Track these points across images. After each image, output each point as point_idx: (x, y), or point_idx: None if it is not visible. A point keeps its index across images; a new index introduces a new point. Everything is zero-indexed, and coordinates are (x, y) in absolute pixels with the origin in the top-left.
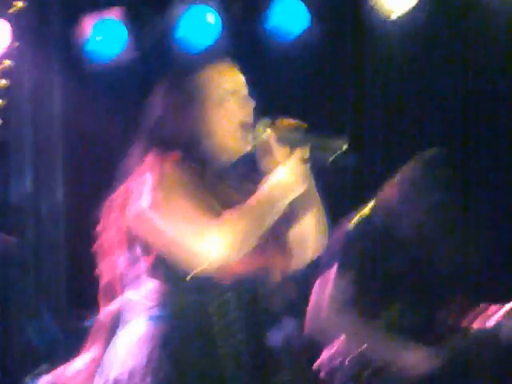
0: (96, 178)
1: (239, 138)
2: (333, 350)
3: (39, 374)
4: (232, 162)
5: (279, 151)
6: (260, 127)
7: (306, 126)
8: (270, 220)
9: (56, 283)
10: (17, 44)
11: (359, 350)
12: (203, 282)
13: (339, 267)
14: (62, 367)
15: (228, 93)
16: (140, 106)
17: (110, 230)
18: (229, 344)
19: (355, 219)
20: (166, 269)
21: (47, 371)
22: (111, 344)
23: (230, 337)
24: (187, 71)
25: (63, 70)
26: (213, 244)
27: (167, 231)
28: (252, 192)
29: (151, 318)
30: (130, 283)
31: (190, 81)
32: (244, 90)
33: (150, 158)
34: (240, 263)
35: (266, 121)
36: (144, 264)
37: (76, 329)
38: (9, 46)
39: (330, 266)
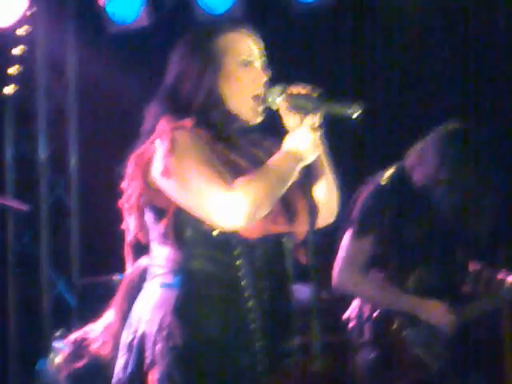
0: (111, 145)
1: (250, 109)
2: (360, 303)
3: (63, 335)
4: (243, 129)
5: (291, 118)
6: (272, 95)
7: (318, 93)
8: (285, 184)
9: (68, 248)
10: (34, 9)
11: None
12: (228, 241)
13: (358, 229)
14: (88, 326)
15: (242, 64)
16: (157, 71)
17: (127, 191)
18: (255, 301)
19: (374, 185)
20: (178, 234)
21: (66, 334)
22: (135, 304)
23: (257, 293)
24: (205, 35)
25: (80, 34)
26: (233, 203)
27: (181, 197)
28: (261, 159)
29: (163, 284)
30: (143, 248)
31: (206, 46)
32: (259, 62)
33: (163, 125)
34: (266, 222)
35: (278, 88)
36: (155, 230)
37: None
38: (25, 12)
39: (347, 228)
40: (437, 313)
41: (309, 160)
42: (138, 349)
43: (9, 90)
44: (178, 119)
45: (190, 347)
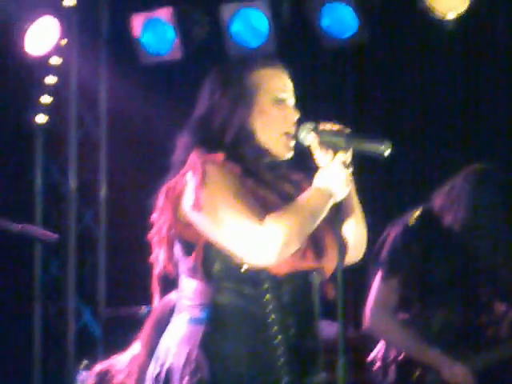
0: (140, 176)
1: (281, 145)
2: (387, 345)
3: (88, 366)
4: (272, 164)
5: (322, 155)
6: (303, 131)
7: (348, 130)
8: (315, 221)
9: (95, 279)
10: (65, 41)
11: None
12: (257, 276)
13: (387, 270)
14: (114, 357)
15: (275, 101)
16: (188, 103)
17: (157, 223)
18: (282, 337)
19: (403, 225)
20: (207, 269)
21: (91, 366)
22: (162, 337)
23: (284, 329)
24: (239, 69)
25: (111, 67)
26: (265, 239)
27: (212, 231)
28: (291, 194)
29: (191, 318)
30: (172, 281)
31: (239, 80)
32: (291, 100)
33: (194, 158)
34: (296, 257)
35: (310, 125)
36: (184, 264)
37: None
38: (58, 41)
39: (376, 271)
40: (458, 376)
41: (339, 197)
42: (165, 382)
43: (40, 119)
44: (209, 152)
45: (217, 381)
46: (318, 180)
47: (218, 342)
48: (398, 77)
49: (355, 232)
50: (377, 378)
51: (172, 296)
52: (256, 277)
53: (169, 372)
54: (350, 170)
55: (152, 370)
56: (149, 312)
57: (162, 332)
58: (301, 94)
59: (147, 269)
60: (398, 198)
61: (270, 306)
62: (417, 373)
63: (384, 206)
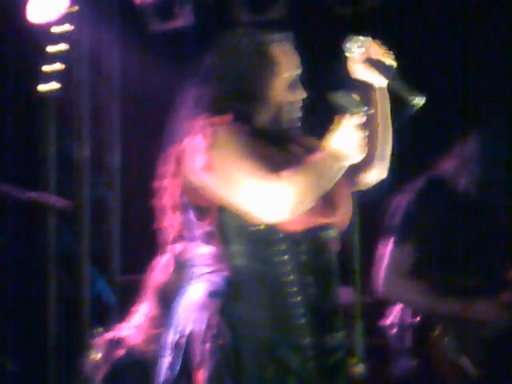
0: (153, 143)
1: (293, 113)
2: (401, 309)
3: (102, 334)
4: (284, 129)
5: (362, 72)
6: (352, 44)
7: (394, 66)
8: (328, 181)
9: (109, 246)
10: (76, 7)
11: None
12: (273, 237)
13: (400, 236)
14: (124, 322)
15: (291, 76)
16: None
17: (165, 190)
18: (302, 297)
19: (413, 192)
20: (223, 233)
21: (105, 332)
22: (177, 303)
23: (303, 289)
24: (264, 41)
25: (122, 33)
26: (280, 193)
27: (225, 191)
28: (301, 156)
29: (209, 284)
30: (185, 246)
31: (262, 50)
32: (298, 75)
33: (201, 121)
34: (311, 215)
35: (360, 40)
36: (199, 229)
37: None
38: (68, 9)
39: (388, 235)
40: (487, 309)
41: (353, 161)
42: (186, 348)
43: (52, 87)
44: (217, 114)
45: (239, 346)
46: (330, 143)
47: (238, 306)
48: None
49: (381, 148)
50: (394, 343)
51: (166, 256)
52: (272, 238)
53: (189, 338)
54: (366, 132)
55: (171, 337)
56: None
57: (165, 294)
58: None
59: (161, 236)
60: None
61: (289, 267)
62: (434, 335)
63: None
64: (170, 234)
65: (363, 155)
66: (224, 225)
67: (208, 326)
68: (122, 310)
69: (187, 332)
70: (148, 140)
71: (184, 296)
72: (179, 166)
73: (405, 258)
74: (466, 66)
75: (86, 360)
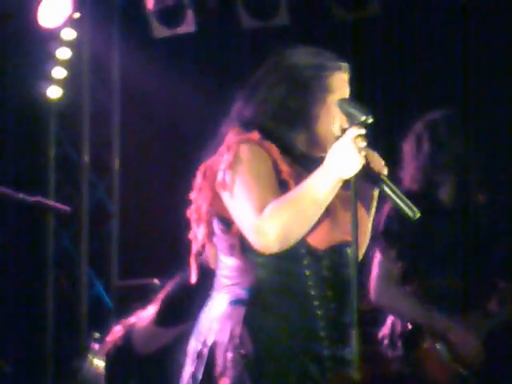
0: (153, 148)
1: (329, 143)
2: (392, 321)
3: (100, 339)
4: (314, 160)
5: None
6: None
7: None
8: (321, 203)
9: (108, 250)
10: (78, 14)
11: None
12: (296, 252)
13: (383, 243)
14: (131, 318)
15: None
16: (200, 75)
17: (196, 201)
18: (323, 311)
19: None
20: (246, 246)
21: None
22: (202, 314)
23: (324, 303)
24: (319, 68)
25: (124, 40)
26: (261, 228)
27: (230, 210)
28: None
29: (232, 296)
30: (212, 256)
31: (318, 78)
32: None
33: (231, 137)
34: (333, 232)
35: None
36: (223, 242)
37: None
38: (71, 15)
39: (376, 242)
40: (468, 345)
41: (347, 174)
42: (209, 357)
43: (54, 92)
44: (247, 131)
45: (261, 355)
46: (328, 157)
47: (261, 317)
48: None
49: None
50: (387, 353)
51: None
52: (295, 252)
53: (212, 348)
54: (363, 144)
55: (194, 346)
56: (162, 285)
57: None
58: None
59: (159, 241)
60: None
61: (310, 281)
62: (425, 344)
63: None
64: (194, 245)
65: (359, 168)
66: (246, 238)
67: (231, 336)
68: (120, 314)
69: (210, 342)
70: (148, 144)
71: (207, 307)
72: (206, 180)
73: (392, 266)
74: (466, 71)
75: (83, 363)
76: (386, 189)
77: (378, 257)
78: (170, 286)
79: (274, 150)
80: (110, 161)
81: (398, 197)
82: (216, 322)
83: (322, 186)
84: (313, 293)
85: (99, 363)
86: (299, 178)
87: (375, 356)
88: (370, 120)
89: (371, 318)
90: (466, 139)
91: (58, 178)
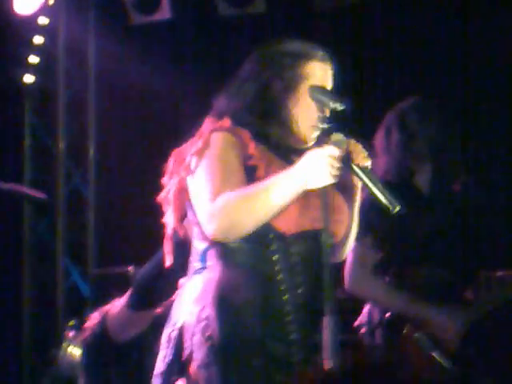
0: (129, 136)
1: (307, 134)
2: (370, 308)
3: (76, 326)
4: (289, 151)
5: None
6: (334, 141)
7: (370, 165)
8: (276, 204)
9: (84, 238)
10: (53, 0)
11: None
12: (265, 236)
13: (359, 231)
14: (107, 306)
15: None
16: (176, 62)
17: (167, 186)
18: (290, 295)
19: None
20: None
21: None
22: (176, 298)
23: (291, 288)
24: (294, 55)
25: (99, 27)
26: (210, 215)
27: (192, 194)
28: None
29: (202, 279)
30: (183, 241)
31: (293, 66)
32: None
33: (206, 125)
34: (303, 218)
35: (342, 139)
36: (195, 227)
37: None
38: (45, 2)
39: None
40: (446, 325)
41: (313, 185)
42: (177, 340)
43: (28, 79)
44: (220, 120)
45: (227, 338)
46: (300, 162)
47: (228, 301)
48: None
49: (347, 231)
50: (365, 341)
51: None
52: (264, 237)
53: (181, 331)
54: (339, 165)
55: (166, 331)
56: (136, 271)
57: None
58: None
59: (136, 229)
60: None
61: (278, 266)
62: (404, 330)
63: None
64: (167, 229)
65: (331, 182)
66: None
67: (198, 319)
68: (97, 302)
69: (179, 325)
70: (124, 133)
71: (180, 291)
72: (177, 165)
73: (368, 254)
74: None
75: (59, 351)
76: (366, 181)
77: (353, 244)
78: (142, 270)
79: (246, 135)
80: (86, 149)
81: (378, 189)
82: (186, 305)
83: (281, 189)
84: (280, 277)
85: (75, 351)
86: (270, 165)
87: (354, 345)
88: (341, 107)
89: (347, 305)
90: (439, 124)
91: (33, 166)
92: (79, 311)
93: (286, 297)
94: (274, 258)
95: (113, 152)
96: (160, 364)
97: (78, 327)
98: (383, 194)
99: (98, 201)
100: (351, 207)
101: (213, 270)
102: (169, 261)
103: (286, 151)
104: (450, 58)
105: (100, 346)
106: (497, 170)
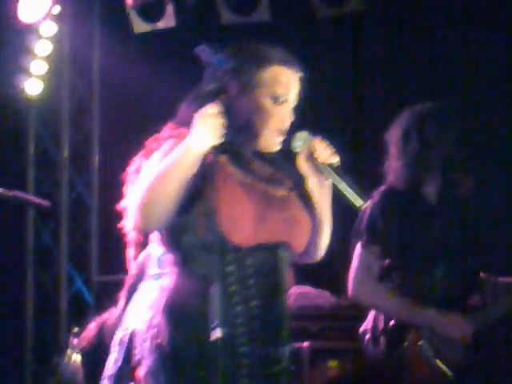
0: (133, 144)
1: (271, 140)
2: (375, 315)
3: (79, 333)
4: (254, 157)
5: (305, 166)
6: (297, 141)
7: (337, 162)
8: (173, 176)
9: (87, 246)
10: (58, 8)
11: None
12: (221, 247)
13: (366, 239)
14: (104, 315)
15: (274, 98)
16: (180, 71)
17: (126, 194)
18: (242, 307)
19: (378, 195)
20: (175, 237)
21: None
22: (130, 302)
23: (244, 300)
24: (256, 60)
25: (105, 33)
26: (134, 204)
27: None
28: (261, 173)
29: (157, 285)
30: (143, 248)
31: (253, 72)
32: (291, 101)
33: (164, 131)
34: (259, 231)
35: (304, 136)
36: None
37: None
38: (51, 9)
39: (357, 238)
40: (454, 326)
41: (201, 147)
42: (128, 345)
43: (33, 87)
44: (179, 127)
45: (175, 348)
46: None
47: (180, 309)
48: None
49: (318, 230)
50: (368, 348)
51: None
52: (220, 248)
53: (132, 336)
54: (218, 121)
55: (118, 334)
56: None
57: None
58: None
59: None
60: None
61: (232, 278)
62: (408, 338)
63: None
64: (129, 237)
65: (216, 141)
66: (176, 229)
67: (149, 326)
68: (100, 309)
69: (130, 330)
70: (127, 141)
71: (135, 295)
72: (137, 173)
73: (373, 262)
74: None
75: (62, 358)
76: (332, 178)
77: (358, 252)
78: (130, 278)
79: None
80: (90, 156)
81: (344, 186)
82: (139, 310)
83: (177, 160)
84: (233, 289)
85: (78, 358)
86: (231, 178)
87: (357, 353)
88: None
89: (352, 312)
90: (457, 137)
91: (37, 173)
92: (82, 318)
93: (239, 308)
94: (228, 270)
95: (116, 160)
96: (110, 366)
97: (81, 334)
98: (349, 191)
99: (101, 208)
100: (316, 210)
101: (168, 277)
102: (132, 270)
103: (249, 159)
104: (451, 64)
105: (98, 355)
106: (499, 174)
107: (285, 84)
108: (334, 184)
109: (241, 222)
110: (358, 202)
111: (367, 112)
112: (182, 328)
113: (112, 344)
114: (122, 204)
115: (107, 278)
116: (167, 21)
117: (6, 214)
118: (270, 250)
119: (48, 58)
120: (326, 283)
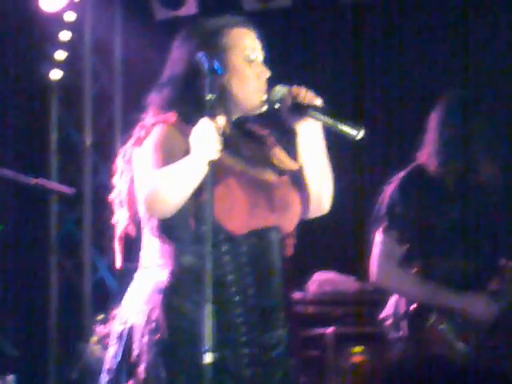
0: None
1: (254, 101)
2: (396, 301)
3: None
4: (240, 121)
5: (291, 117)
6: (275, 94)
7: (321, 102)
8: (184, 182)
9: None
10: None
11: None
12: (215, 238)
13: (386, 224)
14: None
15: (247, 59)
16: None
17: (117, 184)
18: (241, 297)
19: (398, 180)
20: (169, 229)
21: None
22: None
23: (242, 289)
24: (211, 30)
25: (125, 21)
26: (144, 193)
27: (135, 184)
28: (250, 156)
29: (153, 278)
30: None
31: (213, 40)
32: (260, 58)
33: (148, 118)
34: (253, 217)
35: (281, 89)
36: (147, 224)
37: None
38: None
39: (378, 223)
40: (480, 307)
41: (207, 158)
42: (127, 340)
43: (55, 74)
44: (165, 112)
45: (176, 341)
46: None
47: (178, 303)
48: (370, 41)
49: (318, 185)
50: (390, 333)
51: None
52: (215, 238)
53: (131, 330)
54: (222, 131)
55: (116, 327)
56: None
57: None
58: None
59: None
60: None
61: (229, 268)
62: (430, 322)
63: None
64: (118, 229)
65: (217, 154)
66: (170, 221)
67: (148, 320)
68: (123, 296)
69: (129, 324)
70: None
71: (130, 287)
72: (126, 162)
73: (394, 247)
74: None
75: (86, 345)
76: (321, 117)
77: (379, 237)
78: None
79: (189, 131)
80: (113, 143)
81: (335, 121)
82: (136, 304)
83: (188, 169)
84: (230, 279)
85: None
86: (223, 165)
87: (380, 340)
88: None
89: (373, 297)
90: (482, 125)
91: (60, 160)
92: (106, 305)
93: (237, 298)
94: (223, 260)
95: None
96: (110, 360)
97: (106, 321)
98: (343, 124)
99: None
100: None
101: (163, 269)
102: (119, 263)
103: (236, 141)
104: (452, 59)
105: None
106: None
107: (252, 47)
108: (325, 122)
109: (234, 209)
110: (353, 131)
111: (367, 112)
112: (180, 322)
113: (111, 337)
114: (112, 196)
115: (131, 265)
116: (188, 8)
117: (29, 201)
118: (262, 236)
119: (70, 45)
120: (351, 268)
